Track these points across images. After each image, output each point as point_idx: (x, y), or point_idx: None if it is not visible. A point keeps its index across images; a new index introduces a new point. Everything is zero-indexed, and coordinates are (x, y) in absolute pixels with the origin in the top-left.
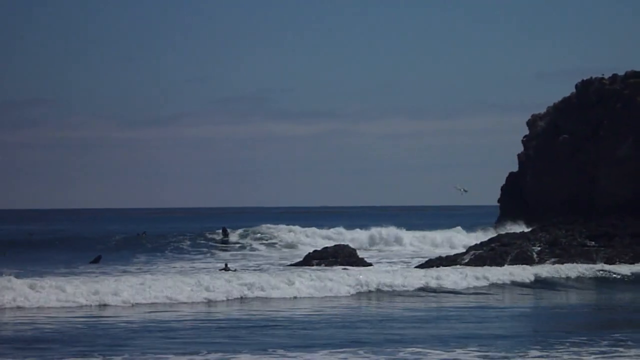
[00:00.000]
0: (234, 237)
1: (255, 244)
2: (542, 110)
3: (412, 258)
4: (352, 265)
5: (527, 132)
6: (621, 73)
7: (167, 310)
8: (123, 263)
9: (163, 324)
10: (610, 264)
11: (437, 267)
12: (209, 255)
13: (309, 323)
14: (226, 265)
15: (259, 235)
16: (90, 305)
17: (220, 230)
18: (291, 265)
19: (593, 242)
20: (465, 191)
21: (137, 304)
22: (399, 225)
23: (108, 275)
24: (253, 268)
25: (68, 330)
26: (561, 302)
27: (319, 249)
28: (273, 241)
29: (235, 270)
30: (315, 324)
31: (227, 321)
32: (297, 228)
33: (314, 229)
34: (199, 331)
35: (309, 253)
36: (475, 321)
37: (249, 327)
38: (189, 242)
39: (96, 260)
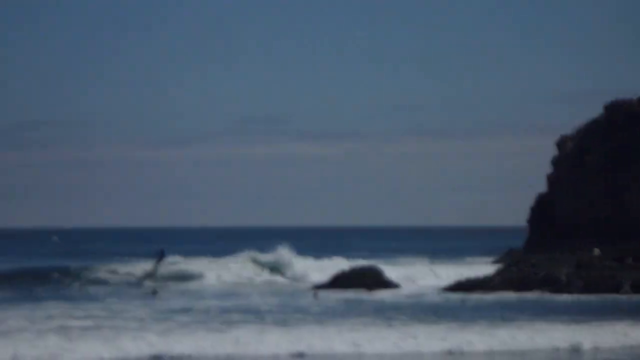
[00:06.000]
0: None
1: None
2: (566, 131)
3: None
4: (379, 287)
5: (550, 153)
6: None
7: None
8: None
9: None
10: (637, 288)
11: (467, 290)
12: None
13: None
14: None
15: None
16: None
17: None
18: (319, 287)
19: (620, 265)
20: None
21: None
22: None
23: None
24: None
25: None
26: None
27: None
28: None
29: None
30: None
31: None
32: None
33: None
34: None
35: (337, 274)
36: None
37: None
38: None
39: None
